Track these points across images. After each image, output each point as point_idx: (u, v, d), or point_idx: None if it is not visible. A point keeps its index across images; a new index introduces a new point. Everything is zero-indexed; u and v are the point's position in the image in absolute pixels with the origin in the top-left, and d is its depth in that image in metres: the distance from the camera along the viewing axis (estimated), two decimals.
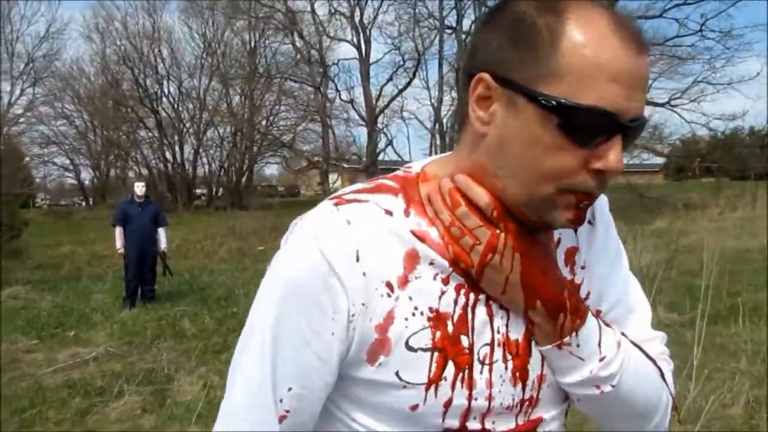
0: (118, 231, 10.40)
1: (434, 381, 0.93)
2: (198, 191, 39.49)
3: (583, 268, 1.04)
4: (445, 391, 0.93)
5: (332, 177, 34.70)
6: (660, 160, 36.37)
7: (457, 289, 0.94)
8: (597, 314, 1.03)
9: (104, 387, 6.02)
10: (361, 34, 31.45)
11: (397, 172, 1.02)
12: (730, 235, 13.67)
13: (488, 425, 0.97)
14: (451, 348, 0.93)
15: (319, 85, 32.36)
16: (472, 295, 0.95)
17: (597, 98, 0.83)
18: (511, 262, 0.92)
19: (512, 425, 0.99)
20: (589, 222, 1.04)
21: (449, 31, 26.73)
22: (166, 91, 37.98)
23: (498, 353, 0.96)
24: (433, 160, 1.04)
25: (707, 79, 25.04)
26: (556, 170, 0.87)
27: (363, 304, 0.90)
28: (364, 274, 0.90)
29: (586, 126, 0.85)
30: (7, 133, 32.92)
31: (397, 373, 0.92)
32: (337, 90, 34.00)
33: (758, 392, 4.76)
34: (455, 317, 0.93)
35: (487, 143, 0.91)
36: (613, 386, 0.98)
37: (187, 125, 37.77)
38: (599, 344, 0.98)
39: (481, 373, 0.95)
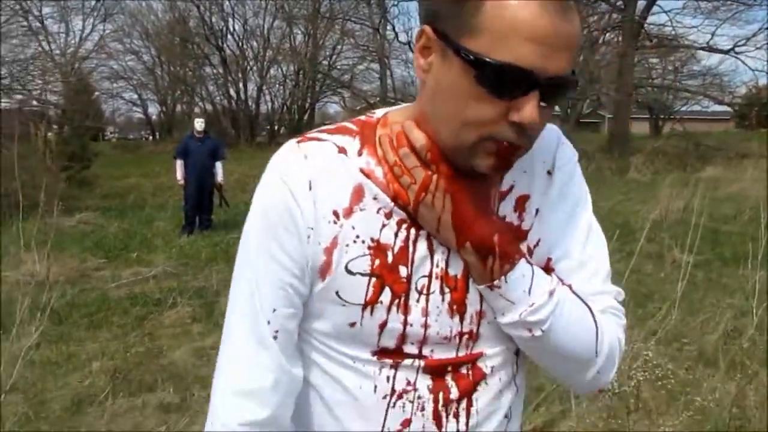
0: (179, 164, 11.00)
1: (370, 303, 0.99)
2: (261, 128, 39.74)
3: (536, 215, 1.07)
4: (381, 314, 1.00)
5: None
6: (729, 109, 35.52)
7: (399, 224, 1.00)
8: (548, 262, 1.08)
9: (160, 299, 6.70)
10: None
11: (361, 117, 1.08)
12: None
13: (426, 352, 1.03)
14: (388, 275, 0.99)
15: (378, 26, 32.42)
16: (413, 230, 1.00)
17: (511, 56, 0.86)
18: (442, 202, 0.97)
19: (452, 355, 1.04)
20: (548, 172, 1.08)
21: None
22: (231, 28, 37.71)
23: (435, 285, 1.02)
24: (397, 108, 1.09)
25: None
26: (476, 119, 0.91)
27: (311, 228, 0.98)
28: (314, 202, 0.98)
29: (501, 80, 0.88)
30: (79, 68, 33.84)
31: (336, 293, 0.99)
32: (395, 31, 34.00)
33: (737, 323, 5.19)
34: (396, 249, 1.00)
35: (426, 90, 0.97)
36: (543, 331, 1.01)
37: (251, 63, 37.67)
38: (529, 290, 1.00)
39: (417, 301, 1.01)
